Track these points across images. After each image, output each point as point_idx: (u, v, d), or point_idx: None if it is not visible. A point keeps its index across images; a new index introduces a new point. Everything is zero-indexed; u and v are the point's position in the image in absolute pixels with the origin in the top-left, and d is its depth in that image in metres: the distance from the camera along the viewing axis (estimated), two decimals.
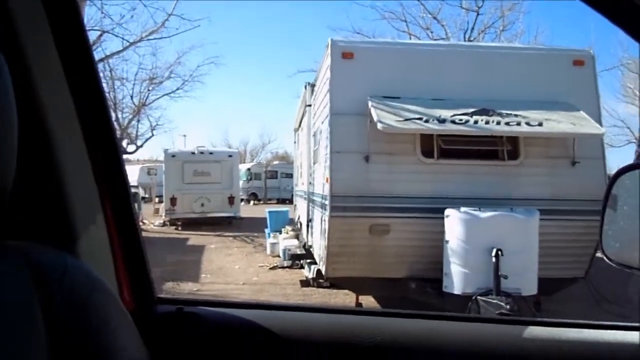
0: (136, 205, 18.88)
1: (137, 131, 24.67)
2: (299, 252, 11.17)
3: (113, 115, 20.65)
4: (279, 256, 12.14)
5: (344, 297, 8.23)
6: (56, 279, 0.85)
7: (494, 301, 5.69)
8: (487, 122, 6.38)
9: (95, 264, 1.09)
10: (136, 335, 1.03)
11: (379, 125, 6.21)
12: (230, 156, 20.55)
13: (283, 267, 11.36)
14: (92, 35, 14.60)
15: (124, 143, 22.85)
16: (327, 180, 6.78)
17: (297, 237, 12.30)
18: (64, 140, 1.08)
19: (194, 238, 16.49)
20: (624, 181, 1.19)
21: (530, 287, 6.08)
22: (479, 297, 5.83)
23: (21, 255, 0.84)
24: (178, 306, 1.41)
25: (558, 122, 6.42)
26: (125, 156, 22.92)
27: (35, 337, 0.79)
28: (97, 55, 15.41)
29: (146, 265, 1.36)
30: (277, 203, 32.54)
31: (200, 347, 1.35)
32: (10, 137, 0.78)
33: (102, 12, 14.37)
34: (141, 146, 25.19)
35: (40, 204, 1.06)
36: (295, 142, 14.79)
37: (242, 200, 24.19)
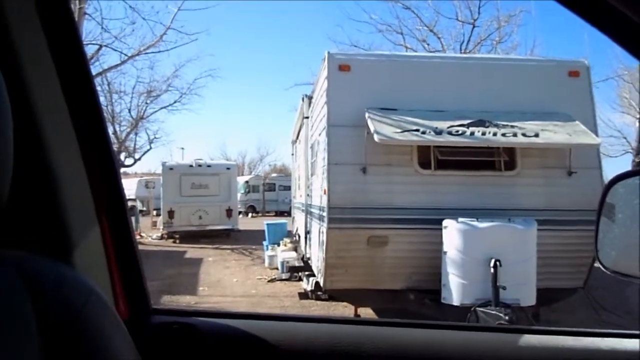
0: (134, 218, 18.84)
1: (135, 144, 24.75)
2: (297, 265, 11.14)
3: (111, 128, 20.71)
4: (277, 269, 12.11)
5: (343, 309, 8.20)
6: (51, 288, 0.85)
7: (493, 312, 5.68)
8: (483, 133, 6.40)
9: (91, 274, 1.09)
10: (131, 346, 1.03)
11: (376, 137, 6.22)
12: (228, 169, 20.54)
13: (281, 280, 11.33)
14: (90, 49, 14.65)
15: (122, 156, 22.85)
16: (324, 192, 6.79)
17: (295, 249, 12.27)
18: (60, 152, 1.09)
19: (192, 251, 16.45)
20: (617, 189, 1.19)
21: (529, 298, 6.07)
22: (477, 308, 5.82)
23: (16, 265, 0.84)
24: (173, 317, 1.41)
25: (554, 133, 6.45)
26: (123, 169, 23.02)
27: (29, 347, 0.79)
28: (96, 69, 15.45)
29: (142, 276, 1.36)
30: (275, 215, 32.50)
31: (195, 358, 1.34)
32: (7, 147, 0.79)
33: (102, 27, 14.43)
34: (139, 159, 25.26)
35: (36, 214, 1.06)
36: (293, 154, 14.80)
37: (240, 212, 24.17)
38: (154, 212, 24.86)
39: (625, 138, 22.31)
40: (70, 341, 0.84)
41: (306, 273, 9.93)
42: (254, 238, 17.11)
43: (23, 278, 0.82)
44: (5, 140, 0.78)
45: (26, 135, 0.98)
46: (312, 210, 8.62)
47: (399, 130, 6.39)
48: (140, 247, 1.38)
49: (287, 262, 11.50)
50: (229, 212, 19.54)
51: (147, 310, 1.39)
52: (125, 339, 1.01)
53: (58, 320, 0.83)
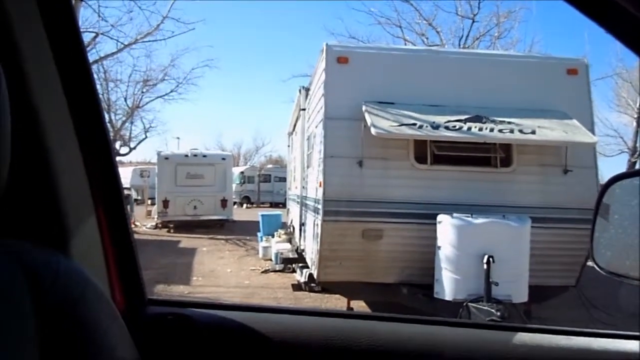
0: (128, 207, 18.81)
1: (130, 133, 24.72)
2: (291, 256, 11.16)
3: (107, 116, 20.59)
4: (271, 260, 12.13)
5: (336, 302, 8.23)
6: (48, 278, 0.85)
7: (485, 308, 5.70)
8: (480, 129, 6.41)
9: (87, 265, 1.08)
10: (127, 336, 1.03)
11: (373, 130, 6.22)
12: (223, 159, 20.52)
13: (275, 271, 11.35)
14: (86, 37, 14.57)
15: (117, 145, 22.80)
16: (320, 185, 6.79)
17: (289, 241, 12.29)
18: (57, 141, 1.08)
19: (186, 241, 16.45)
20: (615, 190, 1.20)
21: (521, 295, 6.10)
22: (469, 304, 5.84)
23: (14, 254, 0.84)
24: (169, 307, 1.41)
25: (551, 130, 6.46)
26: (118, 158, 22.91)
27: (26, 336, 0.79)
28: (92, 56, 15.38)
29: (137, 267, 1.36)
30: (270, 207, 32.54)
31: (190, 349, 1.35)
32: (5, 137, 0.78)
33: (98, 14, 14.35)
34: (134, 148, 25.23)
35: (33, 204, 1.06)
36: (289, 146, 14.79)
37: (235, 203, 24.15)
38: (149, 201, 24.84)
39: (621, 137, 22.40)
40: (67, 330, 0.85)
41: (300, 265, 9.95)
42: (249, 229, 17.13)
43: (20, 267, 0.82)
44: (3, 129, 0.78)
45: (24, 124, 0.98)
46: (307, 202, 8.63)
47: (396, 124, 6.39)
48: (134, 236, 1.37)
49: (281, 254, 11.52)
50: (224, 203, 19.53)
51: (142, 300, 1.39)
52: (121, 329, 1.02)
53: (55, 309, 0.84)
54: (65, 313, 0.84)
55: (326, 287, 8.15)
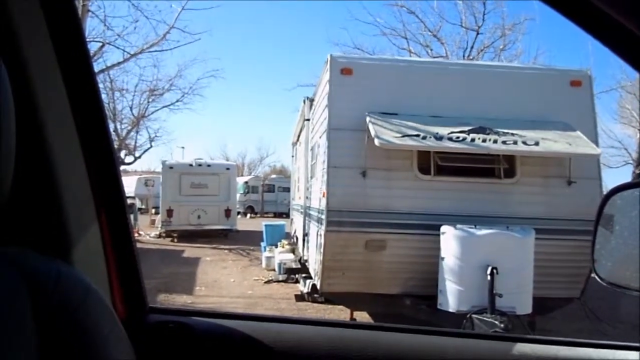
0: (132, 216, 18.79)
1: (135, 142, 24.76)
2: (294, 266, 11.13)
3: (112, 126, 20.70)
4: (274, 270, 12.10)
5: (339, 313, 8.20)
6: (49, 285, 0.85)
7: (489, 320, 5.67)
8: (484, 140, 6.40)
9: (89, 272, 1.09)
10: (127, 344, 1.03)
11: (377, 141, 6.23)
12: (227, 169, 20.55)
13: (278, 281, 11.33)
14: (93, 47, 14.66)
15: (122, 154, 22.85)
16: (323, 195, 6.79)
17: (293, 251, 12.27)
18: (61, 149, 1.09)
19: (190, 250, 16.44)
20: (616, 201, 1.20)
21: (525, 306, 6.06)
22: (473, 316, 5.81)
23: (15, 261, 0.84)
24: (170, 316, 1.41)
25: (554, 142, 6.45)
26: (122, 167, 23.00)
27: (26, 343, 0.79)
28: (98, 66, 15.46)
29: (139, 275, 1.36)
30: (273, 217, 32.55)
31: (191, 358, 1.35)
32: (9, 144, 0.79)
33: (105, 24, 14.44)
34: (139, 157, 25.25)
35: (36, 211, 1.07)
36: (293, 156, 14.80)
37: (238, 213, 24.15)
38: (153, 211, 24.84)
39: (625, 149, 22.40)
40: (67, 338, 0.85)
41: (303, 275, 9.92)
42: (252, 239, 17.12)
43: (21, 274, 0.83)
44: (8, 137, 0.79)
45: (28, 131, 0.98)
46: (311, 212, 8.62)
47: (399, 135, 6.39)
48: (138, 245, 1.38)
49: (285, 264, 11.49)
50: (228, 212, 19.55)
51: (143, 308, 1.40)
52: (122, 337, 1.02)
53: (55, 317, 0.84)
54: (65, 320, 0.85)
55: (329, 298, 8.12)
